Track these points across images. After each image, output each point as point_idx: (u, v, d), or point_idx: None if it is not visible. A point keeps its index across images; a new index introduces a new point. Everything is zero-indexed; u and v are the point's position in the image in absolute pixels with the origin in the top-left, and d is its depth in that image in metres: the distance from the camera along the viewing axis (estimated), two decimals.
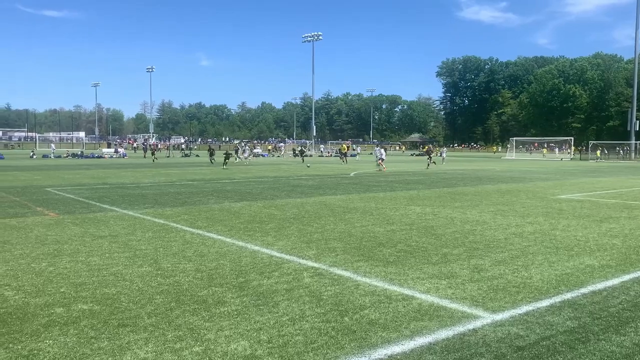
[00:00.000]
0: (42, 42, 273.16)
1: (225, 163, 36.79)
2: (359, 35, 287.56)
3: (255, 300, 5.50)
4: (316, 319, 4.93)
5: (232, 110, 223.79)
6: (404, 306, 5.33)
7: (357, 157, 53.90)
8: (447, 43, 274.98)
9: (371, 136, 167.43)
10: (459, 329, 4.71)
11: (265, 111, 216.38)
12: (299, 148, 60.40)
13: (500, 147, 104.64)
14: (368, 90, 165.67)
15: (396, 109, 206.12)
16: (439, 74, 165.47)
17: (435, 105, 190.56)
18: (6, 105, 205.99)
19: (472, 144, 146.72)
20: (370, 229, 10.12)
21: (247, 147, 49.97)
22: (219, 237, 9.15)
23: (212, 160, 43.16)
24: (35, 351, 4.13)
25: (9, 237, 9.03)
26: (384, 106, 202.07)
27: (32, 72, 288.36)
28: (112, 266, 6.96)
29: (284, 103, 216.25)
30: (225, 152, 39.76)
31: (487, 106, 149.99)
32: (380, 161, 33.06)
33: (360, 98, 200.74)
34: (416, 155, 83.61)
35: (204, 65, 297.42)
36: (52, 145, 69.19)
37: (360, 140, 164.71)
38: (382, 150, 35.73)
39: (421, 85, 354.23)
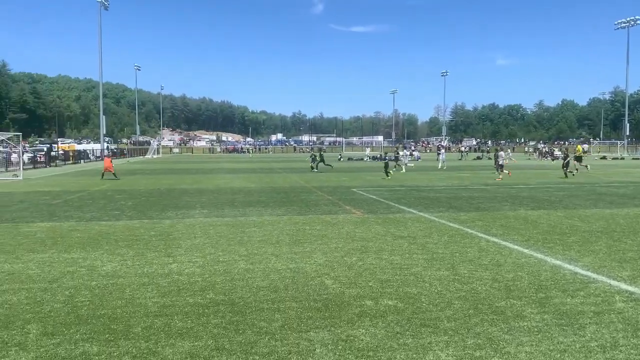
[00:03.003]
0: (350, 55, 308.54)
1: (388, 173, 27.19)
2: None
3: (557, 319, 5.20)
4: (632, 350, 4.40)
5: (527, 110, 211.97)
6: None
7: (443, 158, 38.32)
8: None
9: None
10: None
11: (565, 109, 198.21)
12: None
13: None
14: None
15: None
16: None
17: None
18: (319, 114, 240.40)
19: None
20: None
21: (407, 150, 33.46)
22: (516, 246, 8.87)
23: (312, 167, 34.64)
24: (352, 337, 4.75)
25: (326, 231, 10.48)
26: None
27: (341, 84, 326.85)
28: (412, 267, 7.45)
29: (589, 99, 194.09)
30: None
31: None
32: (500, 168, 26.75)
33: None
34: None
35: (499, 65, 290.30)
36: (367, 149, 78.37)
37: None
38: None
39: None
